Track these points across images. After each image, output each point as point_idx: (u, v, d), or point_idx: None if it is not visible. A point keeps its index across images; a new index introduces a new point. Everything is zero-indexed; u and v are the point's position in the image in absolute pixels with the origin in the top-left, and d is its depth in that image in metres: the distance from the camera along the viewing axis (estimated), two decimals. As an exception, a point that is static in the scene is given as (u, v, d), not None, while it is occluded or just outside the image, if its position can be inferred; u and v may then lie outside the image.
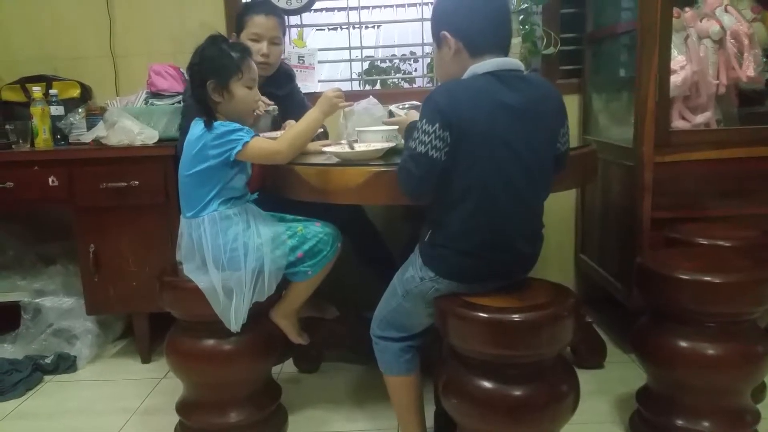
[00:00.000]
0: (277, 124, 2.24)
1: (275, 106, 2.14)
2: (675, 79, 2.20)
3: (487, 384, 1.53)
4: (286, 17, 2.44)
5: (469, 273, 1.60)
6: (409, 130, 1.67)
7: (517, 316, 1.49)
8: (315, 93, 2.75)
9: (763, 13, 2.34)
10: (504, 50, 1.59)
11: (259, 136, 1.82)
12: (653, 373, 1.85)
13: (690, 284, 1.68)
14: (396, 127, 1.90)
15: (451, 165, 1.51)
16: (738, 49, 2.23)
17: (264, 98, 2.11)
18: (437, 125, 1.48)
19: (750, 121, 2.35)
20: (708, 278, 1.67)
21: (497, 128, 1.50)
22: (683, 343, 1.72)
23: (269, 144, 1.81)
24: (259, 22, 2.29)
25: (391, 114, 2.29)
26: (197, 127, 1.80)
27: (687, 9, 2.28)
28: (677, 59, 2.22)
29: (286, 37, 2.56)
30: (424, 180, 1.55)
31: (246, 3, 2.70)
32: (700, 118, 2.28)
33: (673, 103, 2.26)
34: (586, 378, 1.72)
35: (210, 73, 1.80)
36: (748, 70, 2.22)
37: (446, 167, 1.52)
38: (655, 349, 1.78)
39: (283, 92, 2.37)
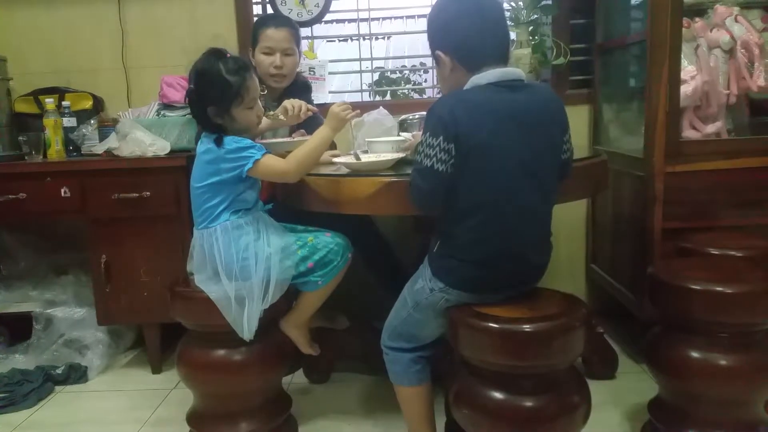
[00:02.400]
0: (293, 129, 2.27)
1: (280, 115, 2.14)
2: (685, 89, 2.20)
3: (498, 395, 1.53)
4: (298, 28, 2.46)
5: (479, 283, 1.60)
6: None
7: (528, 326, 1.48)
8: (326, 104, 2.77)
9: (773, 23, 2.34)
10: (503, 59, 1.59)
11: (270, 153, 1.82)
12: (665, 384, 1.83)
13: (702, 294, 1.67)
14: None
15: (458, 176, 1.51)
16: (749, 59, 2.23)
17: (297, 101, 2.12)
18: (441, 138, 1.48)
19: (761, 131, 2.33)
20: (720, 288, 1.66)
21: (502, 138, 1.51)
22: (695, 354, 1.70)
23: (279, 163, 1.80)
24: (270, 35, 2.31)
25: (402, 124, 2.30)
26: (209, 139, 1.81)
27: (697, 19, 2.28)
28: (687, 69, 2.21)
29: (296, 49, 2.58)
30: (433, 193, 1.55)
31: (258, 18, 2.72)
32: (711, 128, 2.28)
33: (684, 113, 2.26)
34: (597, 389, 1.70)
35: (209, 101, 1.78)
36: (759, 80, 2.21)
37: (453, 179, 1.52)
38: (667, 360, 1.77)
39: None
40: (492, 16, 1.59)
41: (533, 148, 1.54)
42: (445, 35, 1.59)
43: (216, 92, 1.77)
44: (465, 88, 1.56)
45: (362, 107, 2.20)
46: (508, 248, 1.57)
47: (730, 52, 2.24)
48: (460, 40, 1.57)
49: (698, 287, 1.68)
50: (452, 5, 1.60)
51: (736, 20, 2.24)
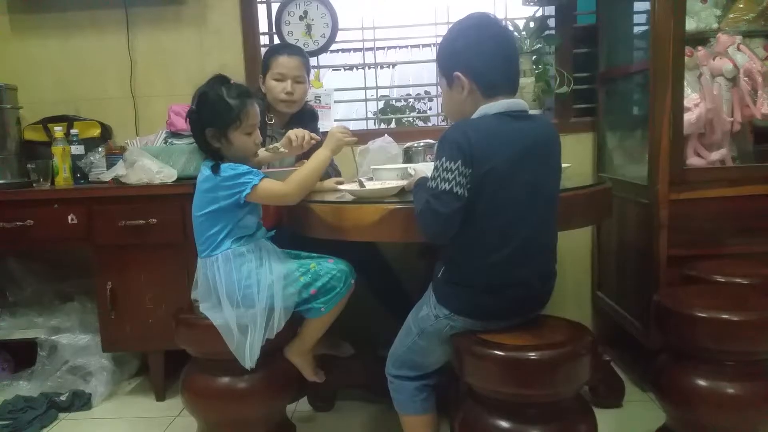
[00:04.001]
0: (299, 158, 2.29)
1: (281, 148, 2.15)
2: (689, 117, 2.21)
3: (504, 424, 1.51)
4: (309, 58, 2.50)
5: (485, 310, 1.59)
6: (419, 185, 1.67)
7: (534, 354, 1.48)
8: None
9: (775, 52, 2.36)
10: (514, 90, 1.61)
11: (268, 177, 1.83)
12: (672, 413, 1.82)
13: (708, 322, 1.66)
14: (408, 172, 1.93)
15: (468, 202, 1.52)
16: (752, 86, 2.24)
17: (301, 130, 2.12)
18: (459, 162, 1.48)
19: (766, 158, 2.34)
20: (726, 316, 1.65)
21: (512, 167, 1.52)
22: (702, 383, 1.69)
23: (278, 186, 1.82)
24: (282, 62, 2.36)
25: (407, 152, 2.32)
26: (206, 167, 1.83)
27: (700, 48, 2.30)
28: (691, 97, 2.23)
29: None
30: (452, 218, 1.51)
31: (271, 46, 2.77)
32: (716, 155, 2.29)
33: (688, 141, 2.27)
34: (604, 418, 1.69)
35: (208, 122, 1.81)
36: (763, 108, 2.23)
37: (466, 204, 1.52)
38: (673, 389, 1.76)
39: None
40: (510, 46, 1.62)
41: (540, 176, 1.56)
42: (468, 57, 1.58)
43: (215, 114, 1.80)
44: (474, 117, 1.57)
45: (367, 135, 2.22)
46: (514, 275, 1.56)
47: (734, 80, 2.25)
48: (485, 65, 1.56)
49: (704, 315, 1.67)
50: (473, 31, 1.59)
51: (738, 49, 2.27)
